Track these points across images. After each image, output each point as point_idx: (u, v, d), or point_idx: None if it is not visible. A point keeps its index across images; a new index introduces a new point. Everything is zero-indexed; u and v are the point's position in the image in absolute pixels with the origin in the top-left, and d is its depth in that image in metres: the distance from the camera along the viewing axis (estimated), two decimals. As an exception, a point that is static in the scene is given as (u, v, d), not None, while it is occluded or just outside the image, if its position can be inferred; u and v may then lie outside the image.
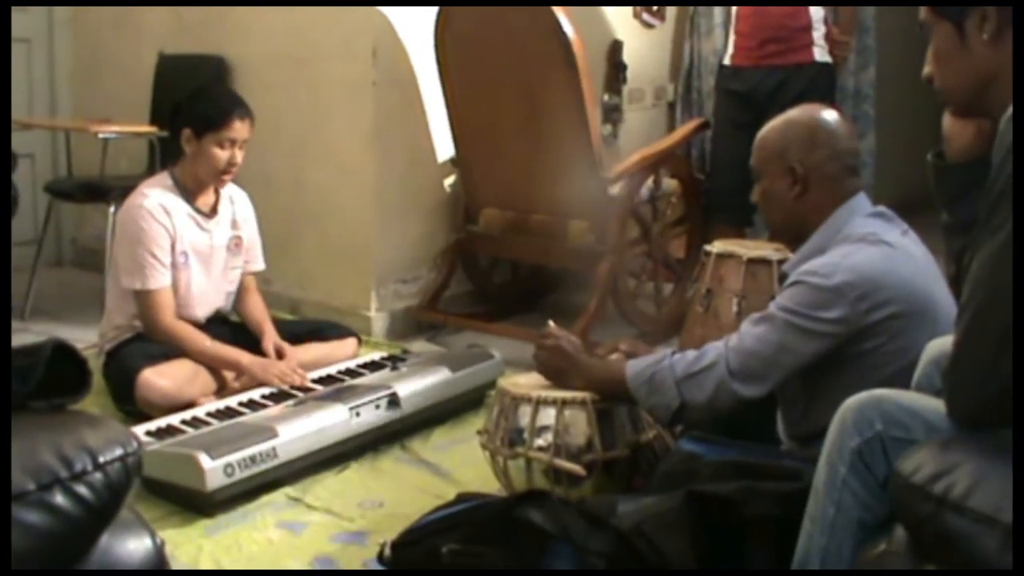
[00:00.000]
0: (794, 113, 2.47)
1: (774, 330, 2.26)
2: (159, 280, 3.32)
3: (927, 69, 1.82)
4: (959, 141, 1.94)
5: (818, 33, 4.32)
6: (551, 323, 2.69)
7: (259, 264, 3.70)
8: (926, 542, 1.51)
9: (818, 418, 2.19)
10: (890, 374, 2.12)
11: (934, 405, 1.70)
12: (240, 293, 3.64)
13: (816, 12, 4.32)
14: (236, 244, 3.57)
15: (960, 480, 1.45)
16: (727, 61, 4.52)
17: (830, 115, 2.44)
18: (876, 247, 2.26)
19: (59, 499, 1.32)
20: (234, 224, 3.56)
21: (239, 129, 3.37)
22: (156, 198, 3.35)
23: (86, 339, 3.60)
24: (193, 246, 3.42)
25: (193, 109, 3.40)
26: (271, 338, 3.51)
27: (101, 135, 4.60)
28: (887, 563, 1.60)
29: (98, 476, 1.37)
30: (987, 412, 1.55)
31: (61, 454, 1.35)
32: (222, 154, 3.35)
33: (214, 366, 3.35)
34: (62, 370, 1.52)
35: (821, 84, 4.30)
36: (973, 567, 1.40)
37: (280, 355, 3.46)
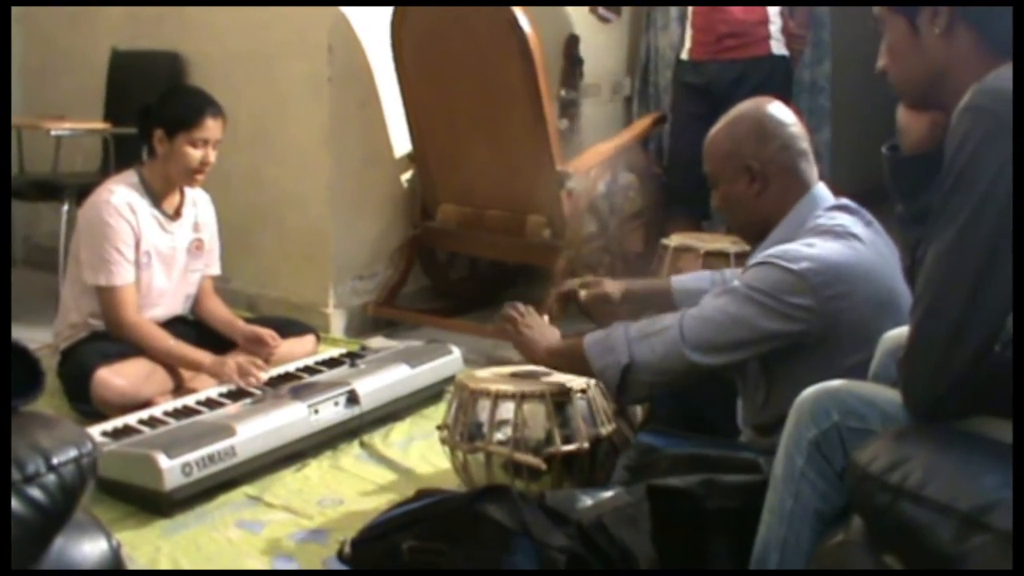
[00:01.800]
0: (737, 112, 2.45)
1: (734, 303, 2.25)
2: (123, 276, 3.29)
3: (881, 62, 1.83)
4: (913, 134, 1.96)
5: (775, 27, 4.34)
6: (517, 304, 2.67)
7: (216, 269, 3.68)
8: (883, 532, 1.53)
9: (779, 406, 2.19)
10: (852, 364, 2.12)
11: (890, 396, 1.71)
12: (199, 298, 3.63)
13: (772, 6, 4.34)
14: (197, 247, 3.54)
15: (916, 470, 1.46)
16: (684, 55, 4.53)
17: (773, 106, 2.43)
18: (842, 240, 2.25)
19: (12, 502, 1.31)
20: (196, 227, 3.54)
21: (212, 128, 3.34)
22: (122, 196, 3.32)
23: (39, 339, 3.55)
24: (156, 248, 3.39)
25: (165, 109, 3.37)
26: (251, 327, 3.51)
27: (54, 132, 4.55)
28: (846, 553, 1.62)
29: (51, 478, 1.36)
30: (942, 402, 1.56)
31: (13, 456, 1.34)
32: (195, 154, 3.32)
33: (176, 366, 3.33)
34: (14, 371, 1.50)
35: (778, 77, 4.32)
36: (929, 556, 1.41)
37: (273, 338, 3.47)
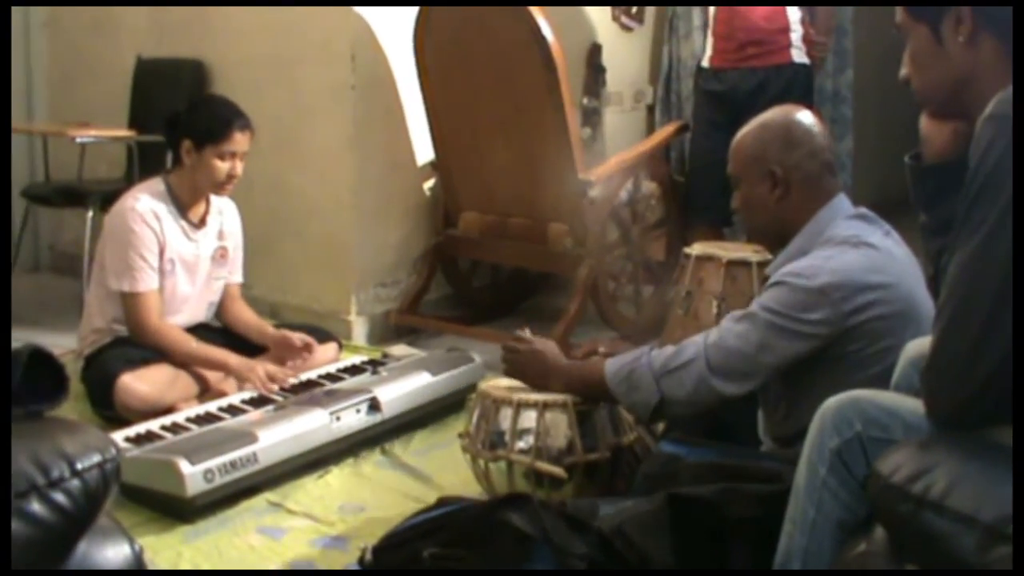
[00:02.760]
0: (767, 116, 2.47)
1: (755, 329, 2.26)
2: (147, 283, 3.31)
3: (904, 71, 1.83)
4: (936, 142, 1.95)
5: (796, 35, 4.34)
6: (526, 330, 2.69)
7: (238, 276, 3.69)
8: (905, 542, 1.52)
9: (800, 418, 2.20)
10: (873, 375, 2.12)
11: (913, 405, 1.70)
12: (225, 303, 3.64)
13: (793, 14, 4.33)
14: (221, 255, 3.56)
15: (939, 480, 1.45)
16: (706, 63, 4.53)
17: (803, 115, 2.44)
18: (859, 249, 2.26)
19: (35, 507, 1.32)
20: (220, 235, 3.55)
21: (240, 141, 3.36)
22: (147, 203, 3.34)
23: (63, 344, 3.58)
24: (180, 255, 3.41)
25: (193, 120, 3.39)
26: (281, 332, 3.52)
27: (79, 140, 4.58)
28: (867, 563, 1.61)
29: (75, 483, 1.36)
30: (965, 412, 1.55)
31: (38, 461, 1.34)
32: (223, 166, 3.34)
33: (201, 367, 3.34)
34: (39, 376, 1.51)
35: (799, 85, 4.32)
36: (952, 566, 1.40)
37: (308, 345, 3.47)
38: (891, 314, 2.21)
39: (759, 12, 4.32)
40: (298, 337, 3.48)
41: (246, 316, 3.64)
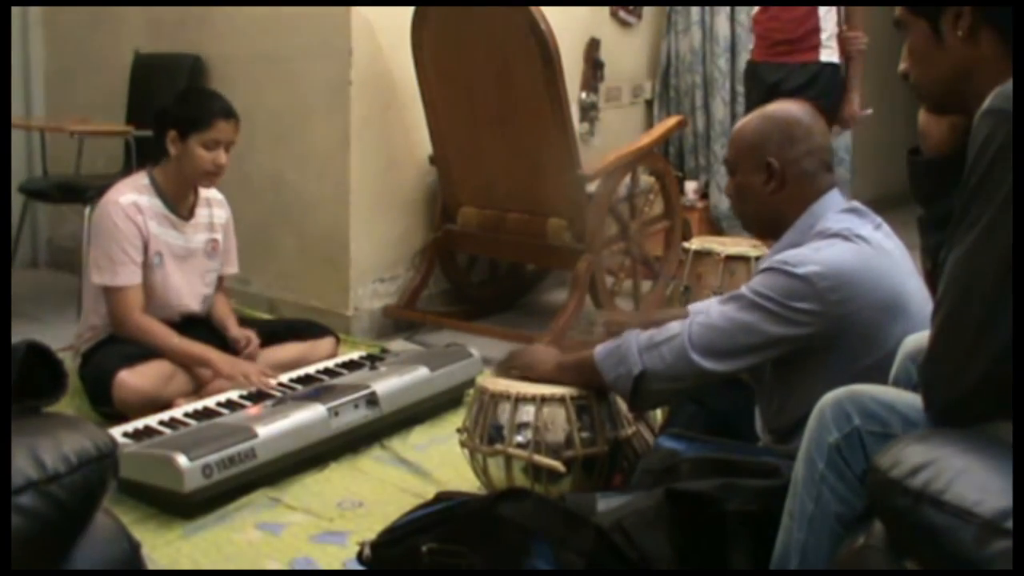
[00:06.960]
0: (770, 109, 2.47)
1: (741, 309, 2.27)
2: (129, 277, 3.30)
3: (903, 65, 1.83)
4: (934, 137, 1.95)
5: (825, 34, 4.41)
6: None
7: (233, 268, 3.69)
8: (904, 536, 1.52)
9: (793, 411, 2.21)
10: (864, 367, 2.13)
11: (911, 400, 1.70)
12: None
13: (825, 13, 4.40)
14: (213, 247, 3.55)
15: (937, 474, 1.45)
16: (749, 57, 4.67)
17: (806, 111, 2.45)
18: (849, 242, 2.26)
19: (34, 502, 1.31)
20: (211, 227, 3.55)
21: (224, 130, 3.35)
22: (130, 197, 3.33)
23: (62, 340, 3.57)
24: (168, 247, 3.40)
25: (178, 111, 3.38)
26: (236, 327, 3.54)
27: (76, 134, 4.58)
28: (865, 557, 1.61)
29: (73, 479, 1.36)
30: (963, 406, 1.55)
31: (35, 457, 1.34)
32: (207, 155, 3.33)
33: (183, 363, 3.33)
34: (37, 372, 1.51)
35: (821, 82, 4.41)
36: (950, 561, 1.40)
37: (248, 341, 3.48)
38: (881, 306, 2.21)
39: (790, 13, 4.42)
40: (239, 334, 3.50)
41: (221, 309, 3.63)
